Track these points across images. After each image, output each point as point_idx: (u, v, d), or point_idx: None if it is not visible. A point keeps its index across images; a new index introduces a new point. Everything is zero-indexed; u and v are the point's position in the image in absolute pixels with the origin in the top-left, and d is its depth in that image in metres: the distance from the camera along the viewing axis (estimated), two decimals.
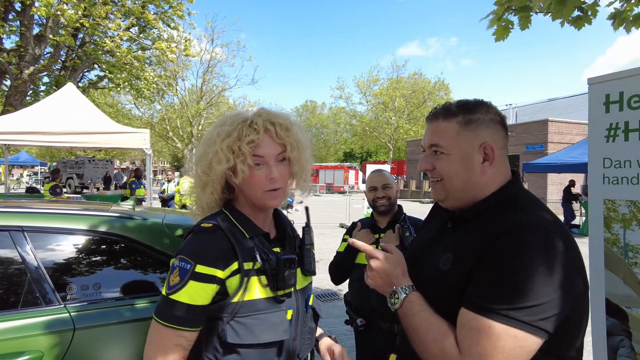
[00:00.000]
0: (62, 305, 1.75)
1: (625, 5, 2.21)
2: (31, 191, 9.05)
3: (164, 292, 1.09)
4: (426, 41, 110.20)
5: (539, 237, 0.91)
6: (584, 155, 9.18)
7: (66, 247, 1.90)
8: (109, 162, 28.63)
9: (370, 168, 12.91)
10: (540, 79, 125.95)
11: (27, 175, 36.50)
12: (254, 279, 1.11)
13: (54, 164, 29.63)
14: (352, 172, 37.36)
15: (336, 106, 48.95)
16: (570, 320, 0.93)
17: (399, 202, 2.55)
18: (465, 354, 0.90)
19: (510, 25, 2.58)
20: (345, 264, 2.46)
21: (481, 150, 1.05)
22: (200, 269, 1.06)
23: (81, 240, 1.93)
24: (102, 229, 1.95)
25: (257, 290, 1.11)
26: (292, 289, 1.19)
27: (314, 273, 1.28)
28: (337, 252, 2.58)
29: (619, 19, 2.21)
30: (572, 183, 14.48)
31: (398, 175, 36.35)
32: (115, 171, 28.89)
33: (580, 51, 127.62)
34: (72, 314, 1.73)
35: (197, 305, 1.06)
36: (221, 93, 29.84)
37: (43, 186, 9.56)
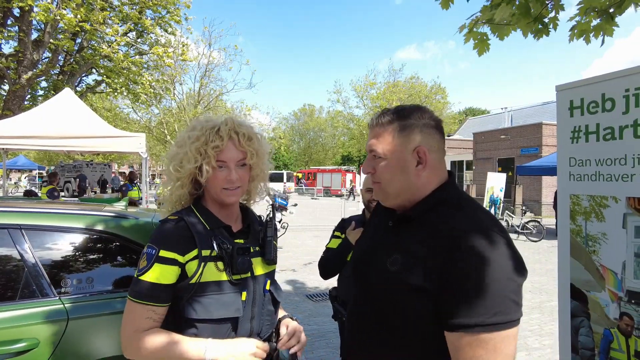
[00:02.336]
0: (57, 298, 1.89)
1: (585, 18, 2.37)
2: (29, 194, 9.17)
3: (135, 275, 1.27)
4: (424, 44, 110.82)
5: (487, 238, 0.96)
6: None
7: (62, 244, 2.04)
8: (106, 166, 28.71)
9: None
10: (537, 82, 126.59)
11: (25, 178, 36.56)
12: (211, 264, 1.29)
13: (52, 167, 29.69)
14: (349, 176, 37.50)
15: (333, 110, 49.15)
16: None
17: None
18: None
19: (485, 37, 2.71)
20: (337, 261, 2.52)
21: (415, 155, 1.11)
22: (163, 253, 1.24)
23: (76, 237, 2.07)
24: (97, 227, 2.09)
25: (213, 274, 1.29)
26: (249, 275, 1.37)
27: (274, 262, 1.46)
28: (327, 248, 2.65)
29: (579, 31, 2.37)
30: None
31: None
32: (112, 175, 28.99)
33: (577, 54, 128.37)
34: (66, 305, 1.87)
35: (162, 284, 1.23)
36: (219, 97, 29.96)
37: (40, 190, 9.68)
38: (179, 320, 1.27)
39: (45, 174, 31.88)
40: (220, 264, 1.30)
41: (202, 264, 1.27)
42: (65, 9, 10.71)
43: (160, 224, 1.33)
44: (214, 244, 1.30)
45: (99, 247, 2.13)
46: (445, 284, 0.96)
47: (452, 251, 0.97)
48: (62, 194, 19.44)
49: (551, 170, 11.80)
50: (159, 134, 28.94)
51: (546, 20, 2.41)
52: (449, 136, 37.11)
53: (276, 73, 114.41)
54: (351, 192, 33.06)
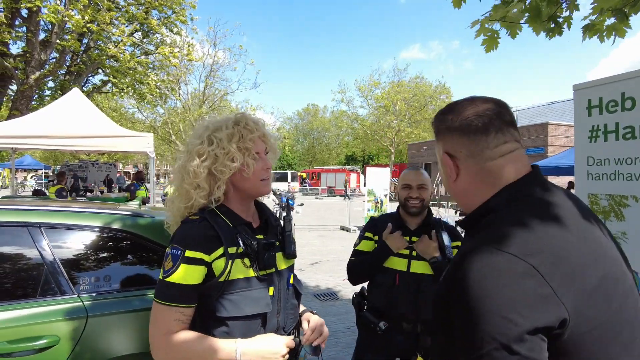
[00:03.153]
0: (76, 295, 1.91)
1: (599, 16, 2.36)
2: (37, 194, 9.24)
3: (160, 277, 1.27)
4: (428, 44, 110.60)
5: (489, 262, 0.77)
6: None
7: (80, 243, 2.06)
8: (112, 166, 28.85)
9: (371, 171, 13.01)
10: (543, 82, 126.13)
11: (32, 177, 36.79)
12: (238, 261, 1.30)
13: (58, 167, 29.87)
14: (353, 175, 37.49)
15: (338, 110, 49.34)
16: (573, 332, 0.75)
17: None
18: None
19: (496, 35, 2.70)
20: (372, 267, 2.22)
21: (445, 162, 1.01)
22: (189, 253, 1.24)
23: (94, 236, 2.08)
24: (114, 225, 2.11)
25: (241, 270, 1.30)
26: (273, 270, 1.39)
27: (294, 256, 1.48)
28: (358, 251, 2.34)
29: (592, 30, 2.36)
30: (571, 185, 14.56)
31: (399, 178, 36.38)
32: (117, 175, 29.11)
33: (583, 54, 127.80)
34: (85, 303, 1.89)
35: (189, 285, 1.24)
36: (223, 97, 30.05)
37: (48, 189, 9.72)
38: (207, 320, 1.28)
39: (51, 174, 32.09)
40: (246, 261, 1.32)
41: (230, 261, 1.27)
42: (72, 10, 10.78)
43: (182, 224, 1.33)
44: (240, 241, 1.31)
45: (116, 245, 2.14)
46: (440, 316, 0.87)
47: (448, 277, 0.85)
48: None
49: (557, 170, 11.74)
50: (164, 134, 29.07)
51: (560, 19, 2.40)
52: None
53: (280, 73, 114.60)
54: (345, 192, 33.10)
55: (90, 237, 2.08)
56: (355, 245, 2.39)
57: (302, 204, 12.55)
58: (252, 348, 1.23)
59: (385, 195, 12.80)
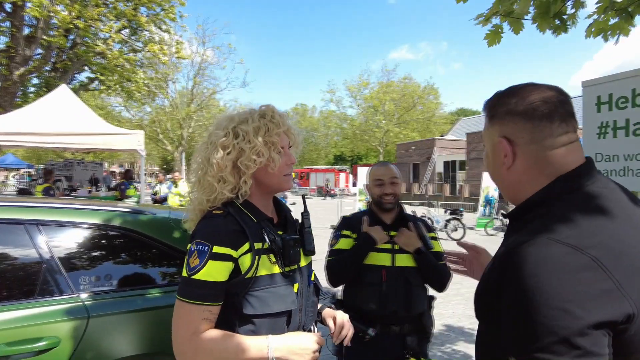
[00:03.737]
0: (76, 295, 1.84)
1: (603, 16, 2.36)
2: (23, 193, 9.00)
3: (184, 274, 1.21)
4: (417, 45, 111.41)
5: (545, 253, 0.75)
6: None
7: (79, 240, 1.99)
8: (98, 165, 28.34)
9: (361, 171, 13.00)
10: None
11: (14, 177, 35.95)
12: (264, 257, 1.25)
13: (42, 166, 29.25)
14: (342, 175, 37.52)
15: (327, 109, 49.29)
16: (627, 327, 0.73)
17: None
18: None
19: (499, 30, 2.68)
20: (356, 263, 2.11)
21: (500, 146, 0.96)
22: (217, 249, 1.18)
23: (93, 233, 2.01)
24: (114, 223, 2.04)
25: (267, 267, 1.25)
26: (296, 266, 1.35)
27: (314, 252, 1.44)
28: (336, 250, 2.21)
29: (597, 29, 2.36)
30: None
31: None
32: (104, 174, 28.63)
33: (568, 57, 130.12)
34: (86, 303, 1.82)
35: (217, 282, 1.18)
36: (212, 96, 29.84)
37: (35, 188, 9.50)
38: (232, 318, 1.23)
39: (34, 173, 31.39)
40: (272, 257, 1.27)
41: (257, 257, 1.23)
42: (58, 5, 10.55)
43: (206, 219, 1.27)
44: (266, 237, 1.27)
45: (116, 243, 2.08)
46: (499, 294, 0.81)
47: (500, 268, 0.82)
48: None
49: None
50: (152, 133, 28.73)
51: (565, 16, 2.40)
52: (441, 136, 37.32)
53: (269, 72, 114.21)
54: (327, 191, 33.20)
55: (89, 234, 2.01)
56: (332, 245, 2.26)
57: (294, 204, 12.49)
58: (284, 344, 1.19)
59: None
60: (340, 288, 2.28)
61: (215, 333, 1.18)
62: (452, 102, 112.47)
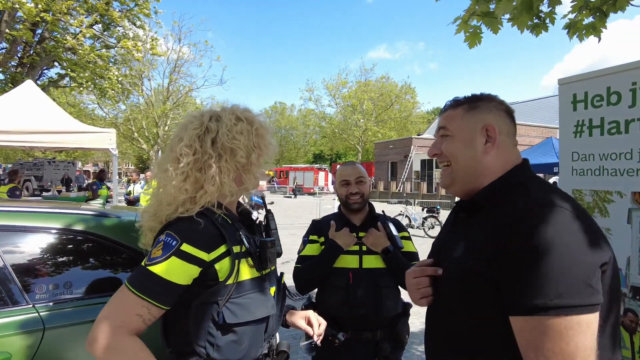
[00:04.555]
0: (31, 305, 1.70)
1: (577, 15, 2.37)
2: None
3: (142, 263, 1.11)
4: (394, 45, 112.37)
5: (552, 216, 0.88)
6: (543, 156, 9.65)
7: (36, 246, 1.85)
8: (70, 164, 27.45)
9: None
10: (502, 84, 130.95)
11: None
12: (243, 261, 1.18)
13: (9, 165, 28.14)
14: (322, 174, 37.52)
15: (305, 108, 49.20)
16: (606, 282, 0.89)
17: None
18: None
19: (478, 31, 2.66)
20: (323, 269, 2.07)
21: (483, 132, 1.09)
22: (186, 247, 1.08)
23: (52, 239, 1.88)
24: (76, 227, 1.91)
25: (246, 271, 1.18)
26: (271, 269, 1.30)
27: (281, 254, 1.40)
28: (303, 256, 2.18)
29: (574, 29, 2.36)
30: None
31: None
32: (77, 173, 27.78)
33: (539, 57, 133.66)
34: (41, 313, 1.69)
35: (173, 282, 1.07)
36: (188, 93, 29.34)
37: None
38: (212, 330, 1.12)
39: (1, 172, 30.20)
40: (250, 260, 1.21)
41: (236, 261, 1.15)
42: None
43: (180, 220, 1.16)
44: (244, 239, 1.20)
45: (78, 248, 1.95)
46: (506, 267, 0.89)
47: (512, 232, 0.90)
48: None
49: None
50: (126, 131, 28.04)
51: (542, 15, 2.39)
52: (418, 135, 37.74)
53: (248, 70, 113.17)
54: (294, 191, 33.28)
55: (47, 240, 1.87)
56: (299, 251, 2.22)
57: (272, 202, 12.38)
58: None
59: None
60: (315, 290, 2.22)
61: (139, 345, 1.06)
62: (428, 101, 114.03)
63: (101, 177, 10.15)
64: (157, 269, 1.06)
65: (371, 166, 39.13)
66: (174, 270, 1.07)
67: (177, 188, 1.17)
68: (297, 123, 59.24)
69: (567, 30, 2.40)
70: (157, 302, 1.06)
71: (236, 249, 1.17)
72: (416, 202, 18.07)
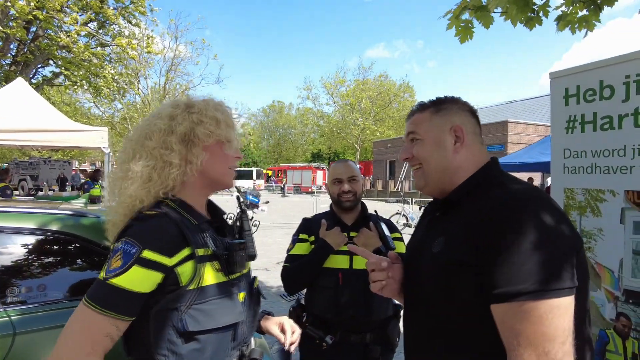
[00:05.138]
0: (2, 310, 1.64)
1: (571, 8, 2.30)
2: None
3: (101, 276, 1.02)
4: (393, 43, 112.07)
5: (527, 207, 0.93)
6: (541, 154, 9.58)
7: (7, 247, 1.78)
8: (66, 163, 27.32)
9: None
10: (502, 81, 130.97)
11: None
12: (208, 265, 1.10)
13: (5, 164, 28.00)
14: (320, 173, 37.45)
15: (303, 107, 49.05)
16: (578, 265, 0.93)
17: (364, 200, 2.26)
18: (522, 346, 0.85)
19: (470, 25, 2.60)
20: (312, 269, 2.03)
21: (452, 133, 1.14)
22: (147, 254, 1.01)
23: (25, 239, 1.82)
24: (51, 227, 1.85)
25: (212, 275, 1.10)
26: (241, 273, 1.21)
27: (255, 257, 1.29)
28: (292, 256, 2.13)
29: (564, 21, 2.30)
30: (530, 181, 15.12)
31: (365, 175, 36.86)
32: (73, 172, 27.64)
33: (538, 56, 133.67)
34: (12, 317, 1.62)
35: (137, 293, 1.00)
36: (185, 92, 29.21)
37: None
38: (173, 337, 1.04)
39: None
40: (216, 264, 1.12)
41: (199, 265, 1.07)
42: None
43: (137, 220, 1.08)
44: (209, 241, 1.12)
45: (53, 249, 1.88)
46: (486, 256, 0.92)
47: (490, 223, 0.94)
48: (15, 192, 18.33)
49: (516, 167, 12.10)
50: (123, 130, 27.91)
51: (535, 7, 2.32)
52: None
53: (245, 68, 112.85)
54: (282, 189, 33.29)
55: (20, 240, 1.81)
56: (289, 250, 2.17)
57: (267, 202, 12.31)
58: None
59: None
60: (304, 291, 2.17)
61: None
62: (427, 99, 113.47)
63: (95, 176, 10.07)
64: (119, 280, 0.98)
65: (370, 165, 39.09)
66: (137, 280, 0.99)
67: (131, 179, 1.13)
68: (295, 122, 59.11)
69: (556, 22, 2.33)
70: (125, 315, 1.00)
71: (200, 251, 1.09)
72: (414, 201, 18.03)
